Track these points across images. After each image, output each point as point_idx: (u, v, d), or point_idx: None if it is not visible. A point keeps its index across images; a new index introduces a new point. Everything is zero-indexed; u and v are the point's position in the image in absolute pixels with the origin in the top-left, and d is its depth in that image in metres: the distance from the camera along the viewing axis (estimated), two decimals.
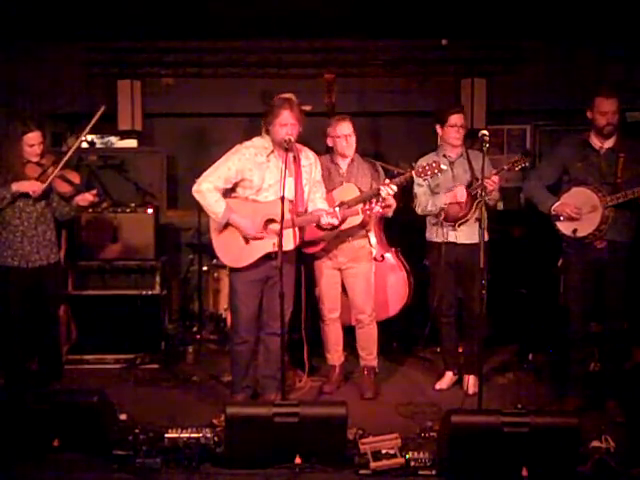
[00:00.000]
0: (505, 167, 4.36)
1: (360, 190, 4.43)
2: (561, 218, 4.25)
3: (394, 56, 6.35)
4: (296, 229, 4.13)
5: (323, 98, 5.49)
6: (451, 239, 4.49)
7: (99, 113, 4.45)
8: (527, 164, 4.34)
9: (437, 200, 4.49)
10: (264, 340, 4.35)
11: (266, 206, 4.13)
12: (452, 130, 4.52)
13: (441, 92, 6.38)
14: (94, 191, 4.55)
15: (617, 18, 5.53)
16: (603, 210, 4.13)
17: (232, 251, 4.19)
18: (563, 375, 4.46)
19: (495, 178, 4.30)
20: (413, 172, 4.26)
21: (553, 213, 4.26)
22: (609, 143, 4.24)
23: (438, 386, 4.72)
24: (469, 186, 4.44)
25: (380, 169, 4.69)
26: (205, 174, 4.16)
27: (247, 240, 4.15)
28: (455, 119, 4.52)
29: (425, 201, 4.55)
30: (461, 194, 4.39)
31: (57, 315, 4.82)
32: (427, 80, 6.37)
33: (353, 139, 4.53)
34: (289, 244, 4.07)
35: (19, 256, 4.44)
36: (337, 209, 4.20)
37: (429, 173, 4.23)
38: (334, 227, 4.30)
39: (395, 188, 4.23)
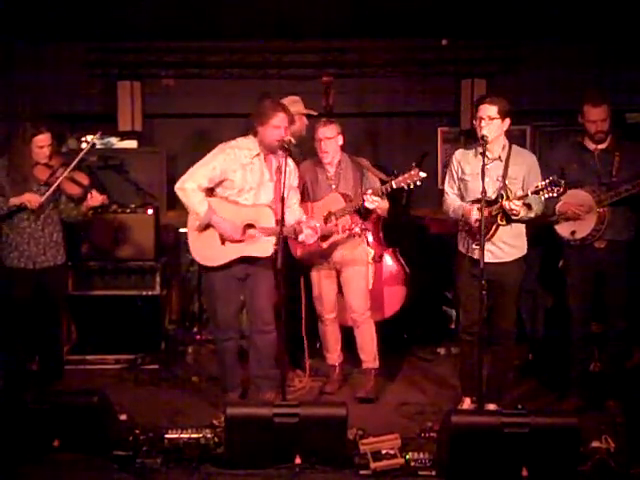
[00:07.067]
0: (530, 192, 3.87)
1: (344, 197, 4.38)
2: (558, 220, 4.26)
3: (394, 56, 6.35)
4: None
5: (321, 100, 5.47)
6: (474, 256, 4.00)
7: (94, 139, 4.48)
8: (555, 195, 3.84)
9: (459, 208, 4.11)
10: (251, 339, 4.33)
11: (247, 210, 4.13)
12: (477, 124, 4.00)
13: (441, 92, 6.38)
14: (104, 195, 4.55)
15: (617, 18, 5.53)
16: (599, 210, 4.16)
17: (207, 249, 4.17)
18: (563, 375, 4.46)
19: (517, 203, 3.88)
20: (393, 182, 4.16)
21: (557, 213, 4.24)
22: (603, 144, 4.25)
23: None
24: (495, 201, 3.96)
25: (367, 173, 4.52)
26: (190, 172, 4.14)
27: (223, 241, 4.14)
28: (482, 110, 3.97)
29: (450, 204, 4.18)
30: (474, 217, 3.93)
31: (60, 316, 4.83)
32: (427, 80, 6.37)
33: (332, 143, 4.42)
34: (267, 251, 4.09)
35: (26, 257, 4.45)
36: (317, 225, 4.17)
37: (409, 182, 4.09)
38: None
39: (377, 199, 4.20)
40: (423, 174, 4.09)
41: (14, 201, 4.36)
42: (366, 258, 4.69)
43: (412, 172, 4.10)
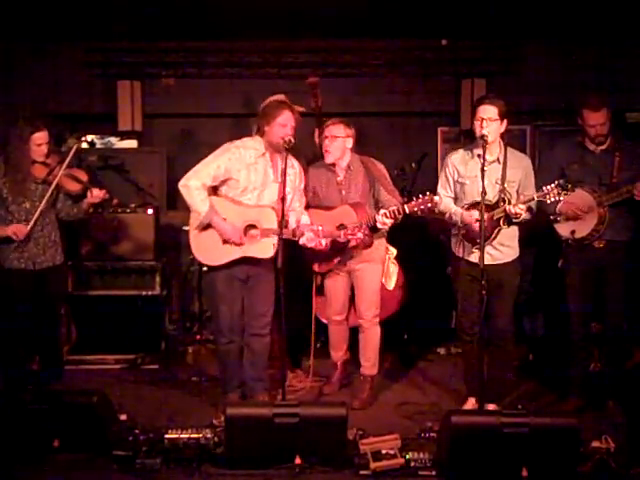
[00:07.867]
0: (535, 197, 3.91)
1: (355, 209, 4.32)
2: (559, 219, 4.26)
3: (394, 56, 6.35)
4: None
5: (310, 102, 5.44)
6: (473, 259, 4.03)
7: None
8: (561, 199, 3.90)
9: (456, 214, 4.11)
10: (247, 342, 4.30)
11: (250, 211, 4.12)
12: (477, 124, 3.97)
13: (441, 92, 6.38)
14: (104, 190, 4.54)
15: (617, 18, 5.53)
16: (599, 210, 4.16)
17: (208, 248, 4.16)
18: (563, 375, 4.46)
19: (522, 207, 3.90)
20: (406, 206, 4.11)
21: (558, 213, 4.24)
22: (603, 145, 4.25)
23: None
24: (496, 205, 3.99)
25: (377, 184, 4.41)
26: (194, 170, 4.13)
27: (224, 240, 4.13)
28: (482, 111, 3.95)
29: (445, 207, 4.16)
30: (475, 217, 3.91)
31: (60, 316, 4.83)
32: (427, 80, 6.37)
33: (336, 143, 4.38)
34: (268, 252, 4.07)
35: (25, 258, 4.44)
36: (319, 228, 4.14)
37: (422, 207, 4.05)
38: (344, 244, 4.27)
39: (389, 221, 4.17)
40: (437, 198, 4.06)
41: (1, 232, 4.37)
42: (383, 257, 4.55)
43: (426, 197, 4.05)
